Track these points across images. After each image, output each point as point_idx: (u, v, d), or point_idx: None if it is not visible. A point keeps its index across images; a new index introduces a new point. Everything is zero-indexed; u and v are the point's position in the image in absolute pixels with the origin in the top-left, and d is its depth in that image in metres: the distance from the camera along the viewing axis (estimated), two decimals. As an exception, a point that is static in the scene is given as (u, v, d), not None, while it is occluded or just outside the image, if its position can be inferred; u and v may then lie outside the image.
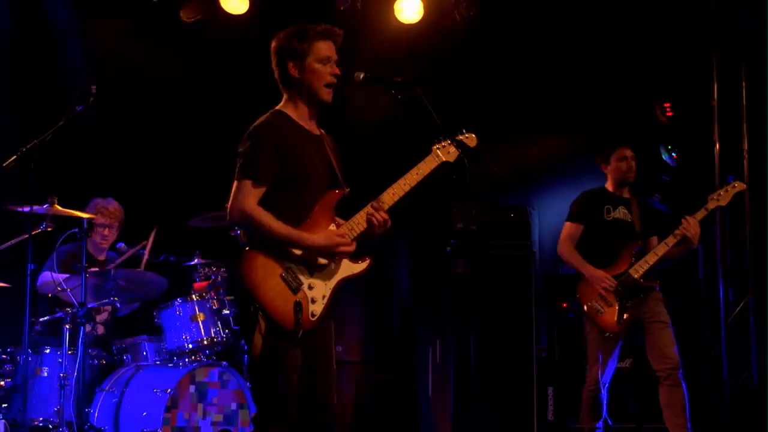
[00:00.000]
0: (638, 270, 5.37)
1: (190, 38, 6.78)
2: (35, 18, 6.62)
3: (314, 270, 3.44)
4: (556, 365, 6.25)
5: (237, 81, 6.95)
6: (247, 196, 3.39)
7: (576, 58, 7.15)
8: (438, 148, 3.64)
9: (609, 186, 5.68)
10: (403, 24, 6.93)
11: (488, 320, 6.00)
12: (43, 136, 4.96)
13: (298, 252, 3.41)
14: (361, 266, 3.56)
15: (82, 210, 5.52)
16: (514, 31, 7.15)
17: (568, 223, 5.67)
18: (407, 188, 3.56)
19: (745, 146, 6.89)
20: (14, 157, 4.93)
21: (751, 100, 6.87)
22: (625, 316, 5.35)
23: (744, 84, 6.91)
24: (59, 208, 5.21)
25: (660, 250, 5.38)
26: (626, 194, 5.66)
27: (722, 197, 5.43)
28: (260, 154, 3.41)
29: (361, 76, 3.54)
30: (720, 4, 6.91)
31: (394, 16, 6.89)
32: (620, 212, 5.58)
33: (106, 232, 5.92)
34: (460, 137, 3.67)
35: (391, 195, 3.54)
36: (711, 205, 5.42)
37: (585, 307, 5.44)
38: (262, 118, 3.53)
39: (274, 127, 3.48)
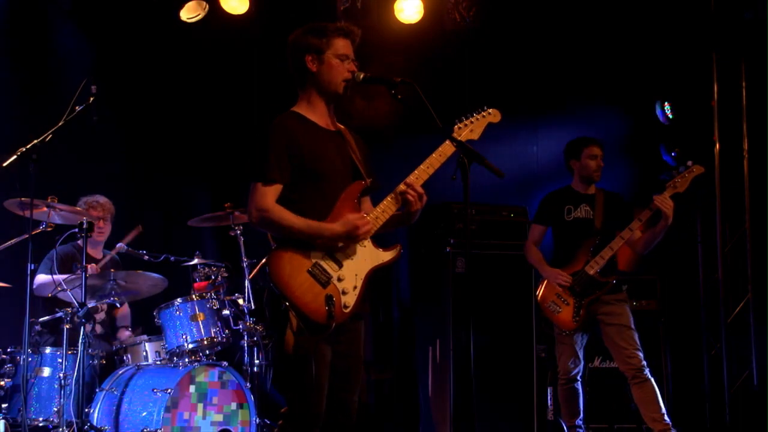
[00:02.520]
0: (593, 266, 5.35)
1: (190, 38, 6.77)
2: (35, 17, 6.62)
3: (343, 262, 3.42)
4: (556, 365, 6.25)
5: (237, 81, 6.95)
6: (262, 197, 3.38)
7: (576, 58, 7.16)
8: (460, 127, 3.60)
9: (574, 183, 5.64)
10: (403, 24, 6.94)
11: (488, 320, 6.00)
12: (43, 136, 4.95)
13: (321, 243, 3.38)
14: (390, 254, 3.55)
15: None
16: (514, 31, 7.16)
17: (533, 225, 5.72)
18: (431, 171, 3.51)
19: (745, 146, 6.89)
20: (14, 157, 4.92)
21: (751, 100, 6.87)
22: (581, 313, 5.37)
23: (744, 84, 6.91)
24: (60, 207, 5.22)
25: (615, 244, 5.31)
26: (591, 190, 5.59)
27: (679, 183, 5.23)
28: (269, 154, 3.40)
29: (361, 76, 3.53)
30: (720, 4, 6.91)
31: (394, 16, 6.90)
32: (582, 211, 5.54)
33: (101, 224, 5.93)
34: (483, 114, 3.64)
35: (415, 179, 3.49)
36: (668, 193, 5.20)
37: (543, 308, 5.50)
38: (274, 120, 3.50)
39: (284, 127, 3.47)
